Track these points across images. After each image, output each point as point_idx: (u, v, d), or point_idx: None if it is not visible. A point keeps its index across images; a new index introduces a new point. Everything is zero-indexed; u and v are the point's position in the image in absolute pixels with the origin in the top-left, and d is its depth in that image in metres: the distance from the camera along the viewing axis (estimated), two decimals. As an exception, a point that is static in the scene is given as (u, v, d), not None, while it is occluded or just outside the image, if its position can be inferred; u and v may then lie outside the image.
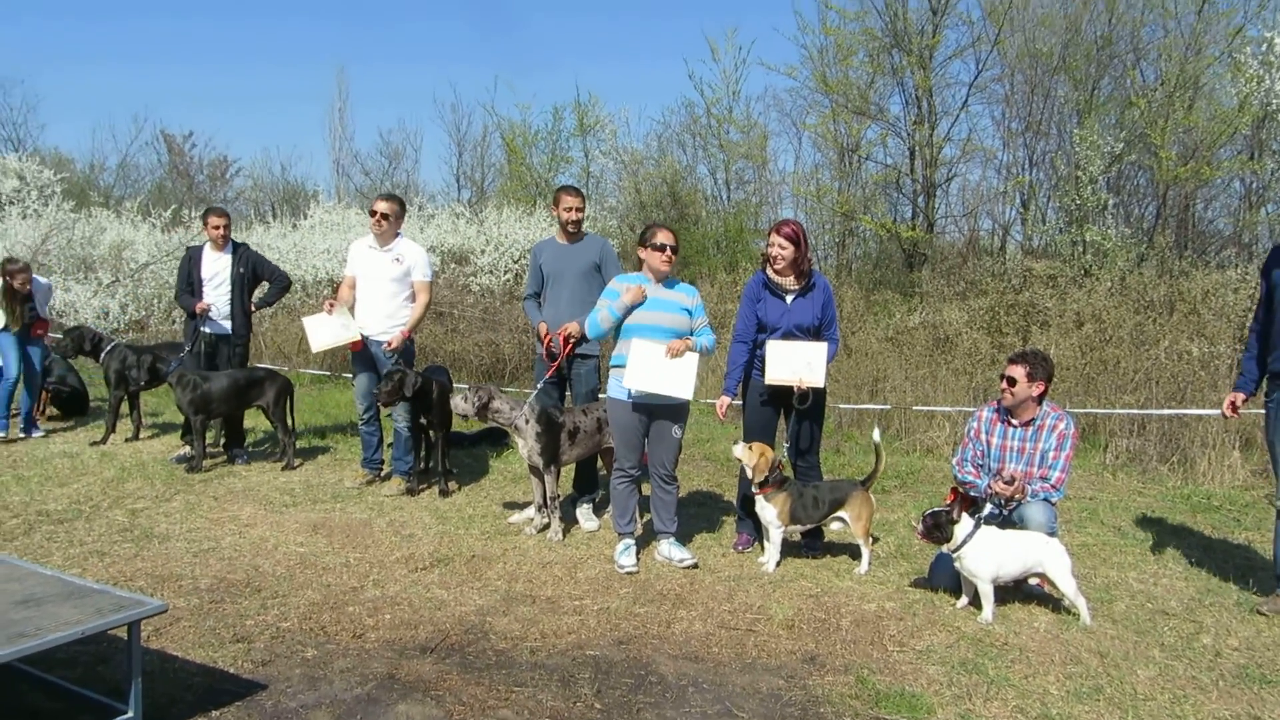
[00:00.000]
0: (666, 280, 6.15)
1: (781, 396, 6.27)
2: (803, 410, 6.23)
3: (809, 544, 6.45)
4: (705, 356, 6.20)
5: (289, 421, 8.66)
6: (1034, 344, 11.21)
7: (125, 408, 9.62)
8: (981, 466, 5.86)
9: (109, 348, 9.48)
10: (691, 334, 6.08)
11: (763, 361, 6.21)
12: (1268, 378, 5.64)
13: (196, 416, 8.26)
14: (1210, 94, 16.13)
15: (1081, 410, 9.52)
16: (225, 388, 8.36)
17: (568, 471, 7.21)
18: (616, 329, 6.10)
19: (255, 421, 9.57)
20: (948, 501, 5.46)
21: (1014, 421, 5.77)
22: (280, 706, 4.11)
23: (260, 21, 53.61)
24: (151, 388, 9.70)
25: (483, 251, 17.94)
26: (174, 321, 15.50)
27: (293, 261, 16.98)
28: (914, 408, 10.24)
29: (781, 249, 6.13)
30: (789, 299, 6.23)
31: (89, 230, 19.10)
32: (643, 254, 6.13)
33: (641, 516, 6.62)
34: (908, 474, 8.73)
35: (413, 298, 7.74)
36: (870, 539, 6.12)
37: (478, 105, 43.65)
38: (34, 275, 9.51)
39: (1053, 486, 5.58)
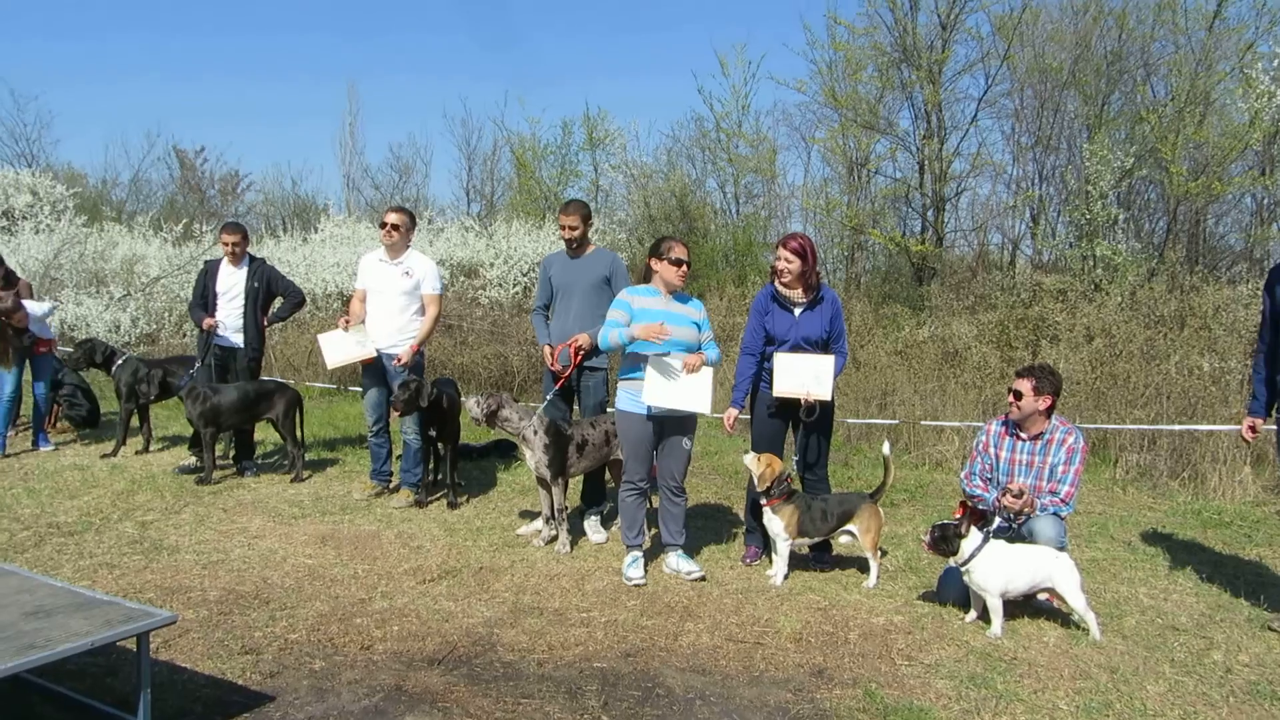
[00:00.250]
0: (678, 295, 6.18)
1: (789, 409, 6.27)
2: (810, 423, 6.23)
3: (817, 557, 6.44)
4: (713, 369, 6.21)
5: (298, 434, 8.69)
6: (1044, 359, 11.18)
7: (135, 420, 9.66)
8: (990, 480, 5.84)
9: (120, 361, 9.52)
10: (699, 347, 6.08)
11: (770, 374, 6.22)
12: None
13: (206, 429, 8.28)
14: (1221, 109, 16.12)
15: (1092, 425, 9.49)
16: (235, 400, 8.39)
17: (576, 484, 7.21)
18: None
19: (264, 434, 9.60)
20: (956, 516, 5.45)
21: (1023, 435, 5.76)
22: (288, 718, 4.12)
23: (272, 38, 54.02)
24: (161, 400, 9.72)
25: (492, 265, 18.00)
26: (185, 335, 15.56)
27: (303, 275, 17.06)
28: (922, 422, 10.22)
29: (788, 263, 6.14)
30: (797, 312, 6.24)
31: (101, 245, 19.22)
32: (656, 266, 6.12)
33: (649, 529, 6.62)
34: (916, 488, 8.71)
35: (423, 310, 7.77)
36: (879, 552, 6.10)
37: (488, 120, 43.93)
38: (27, 307, 9.34)
39: (1062, 500, 5.56)
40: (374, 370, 7.80)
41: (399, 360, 7.58)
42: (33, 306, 9.41)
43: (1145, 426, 9.45)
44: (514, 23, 53.13)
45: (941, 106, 18.44)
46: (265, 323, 8.88)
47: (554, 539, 6.71)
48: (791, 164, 42.35)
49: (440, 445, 7.99)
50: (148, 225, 21.08)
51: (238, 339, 8.74)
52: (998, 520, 5.59)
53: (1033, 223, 18.27)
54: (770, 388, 6.21)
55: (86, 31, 52.17)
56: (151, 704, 3.78)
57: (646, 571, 6.07)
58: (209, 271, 8.85)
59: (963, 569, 5.29)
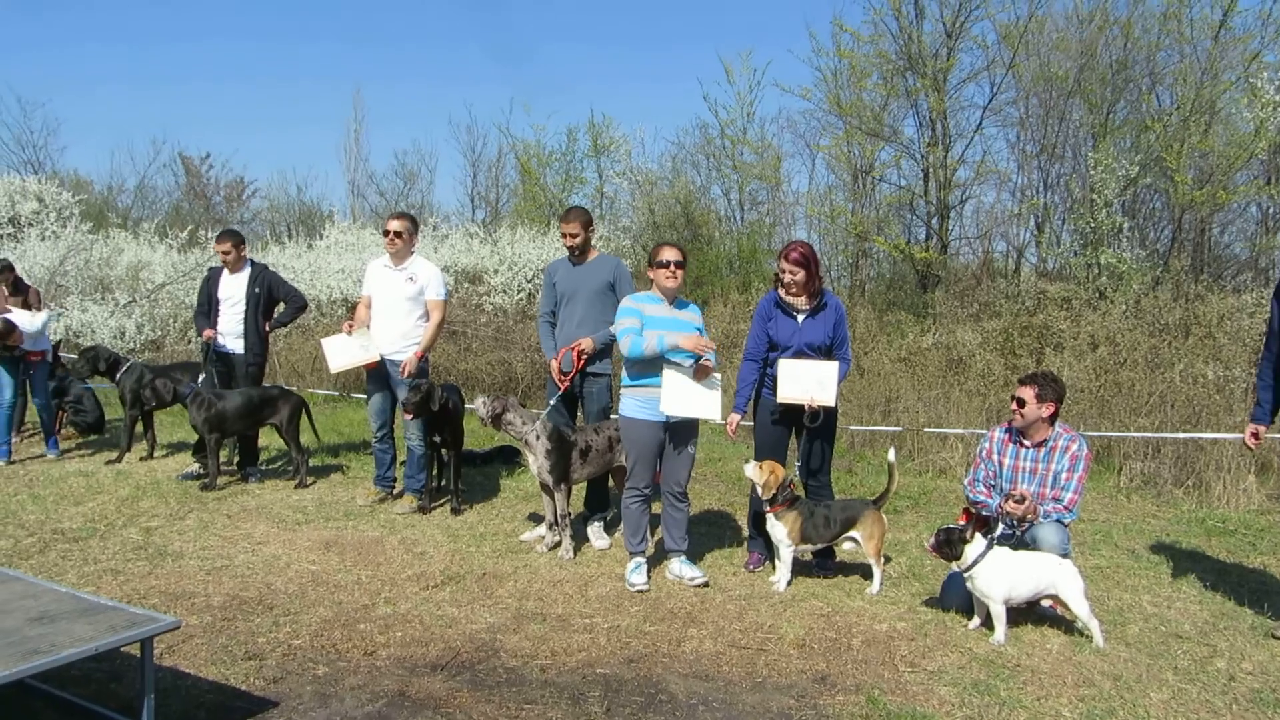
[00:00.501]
0: (677, 301, 6.20)
1: (793, 415, 6.28)
2: (814, 429, 6.24)
3: (820, 563, 6.44)
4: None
5: (312, 433, 8.69)
6: (1048, 366, 11.17)
7: (140, 427, 9.68)
8: (994, 487, 5.84)
9: (125, 367, 9.55)
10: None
11: (773, 380, 6.23)
12: None
13: (211, 435, 8.30)
14: (1227, 119, 16.06)
15: (1096, 433, 9.48)
16: (239, 406, 8.40)
17: (579, 490, 7.22)
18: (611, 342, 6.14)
19: (268, 440, 9.61)
20: (961, 522, 5.45)
21: (1026, 442, 5.76)
22: (291, 723, 4.12)
23: (278, 45, 54.20)
24: (166, 407, 9.74)
25: (496, 271, 18.02)
26: (189, 341, 15.59)
27: (308, 281, 17.08)
28: (926, 429, 10.22)
29: (793, 275, 6.17)
30: (800, 318, 6.25)
31: (106, 251, 19.24)
32: (651, 274, 6.16)
33: (652, 535, 6.62)
34: (920, 495, 8.70)
35: (427, 316, 7.78)
36: (882, 559, 6.10)
37: (493, 127, 43.77)
38: (20, 324, 9.26)
39: (1066, 508, 5.56)
40: (378, 376, 7.82)
41: (403, 369, 7.59)
42: (26, 323, 9.34)
43: (1149, 434, 9.43)
44: (521, 30, 53.29)
45: (946, 114, 18.43)
46: (267, 328, 8.90)
47: (557, 545, 6.72)
48: (796, 171, 42.51)
49: (444, 451, 8.00)
50: (153, 232, 21.11)
51: (238, 345, 8.75)
52: (1001, 527, 5.59)
53: (1037, 230, 18.23)
54: (773, 394, 6.23)
55: (92, 38, 52.36)
56: (155, 709, 3.78)
57: (649, 577, 6.07)
58: (211, 279, 8.89)
59: (966, 575, 5.29)
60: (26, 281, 11.28)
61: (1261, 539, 7.46)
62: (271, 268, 9.31)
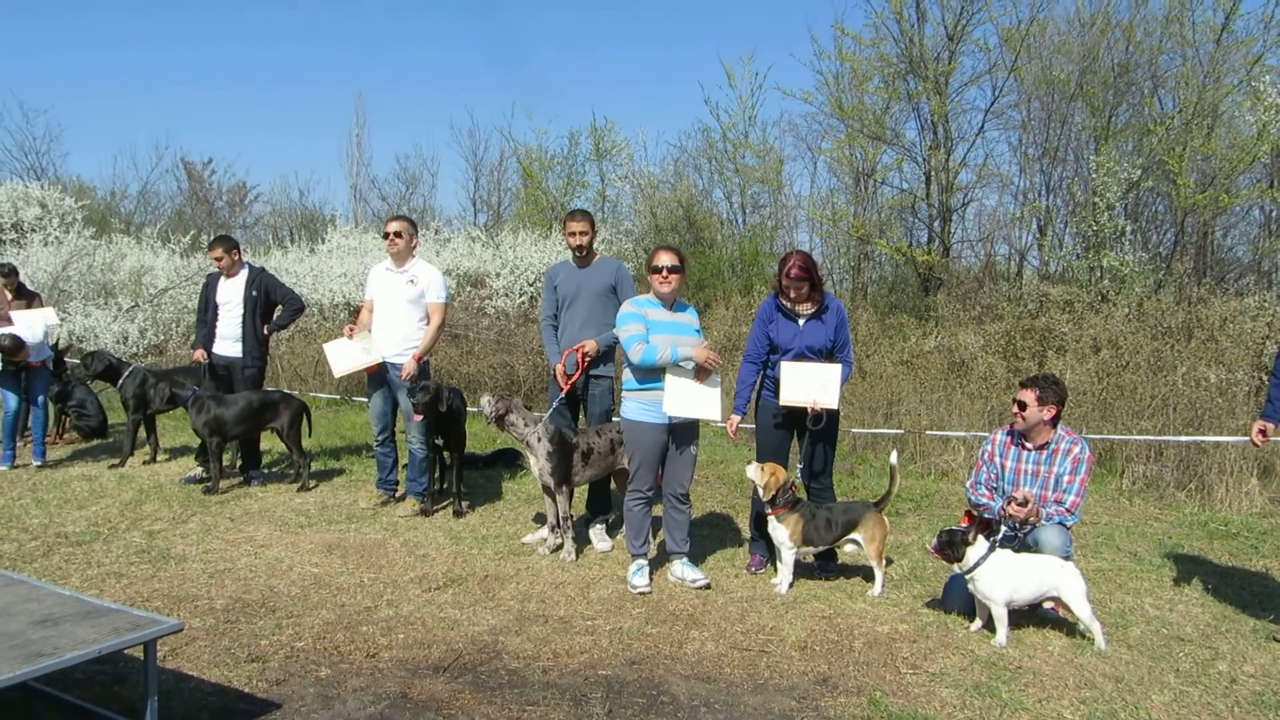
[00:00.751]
0: (676, 304, 6.21)
1: (795, 418, 6.29)
2: (816, 432, 6.25)
3: (822, 565, 6.45)
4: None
5: (304, 443, 8.70)
6: (1050, 369, 11.17)
7: (143, 431, 9.69)
8: (996, 490, 5.84)
9: (128, 371, 9.56)
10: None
11: (774, 382, 6.25)
12: None
13: (212, 439, 8.31)
14: (1229, 122, 16.04)
15: (1098, 436, 9.47)
16: (240, 410, 8.41)
17: (581, 492, 7.23)
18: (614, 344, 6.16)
19: (270, 443, 9.63)
20: (963, 525, 5.46)
21: (1028, 445, 5.76)
22: (293, 725, 4.13)
23: (279, 50, 54.13)
24: (168, 410, 9.73)
25: (498, 275, 18.06)
26: (191, 346, 15.60)
27: (310, 285, 17.12)
28: (928, 432, 10.22)
29: (798, 290, 6.22)
30: (801, 321, 6.26)
31: (109, 256, 19.28)
32: (651, 280, 6.19)
33: (654, 537, 6.63)
34: (922, 497, 8.70)
35: (428, 319, 7.79)
36: (884, 561, 6.10)
37: (495, 131, 43.67)
38: (25, 337, 9.23)
39: (1068, 510, 5.56)
40: (379, 379, 7.84)
41: (403, 374, 7.60)
42: (28, 330, 9.30)
43: (1152, 437, 9.43)
44: (521, 33, 53.33)
45: (948, 117, 18.43)
46: (266, 332, 8.89)
47: (559, 547, 6.72)
48: (798, 174, 42.62)
49: (446, 454, 8.01)
50: (156, 237, 21.12)
51: (236, 349, 8.75)
52: (1003, 529, 5.60)
53: (1040, 234, 18.22)
54: (774, 396, 6.25)
55: (94, 45, 52.40)
56: (158, 712, 3.80)
57: (651, 579, 6.07)
58: (210, 284, 8.92)
59: (968, 577, 5.29)
60: (30, 287, 11.29)
61: (1264, 542, 7.46)
62: (270, 271, 9.32)
